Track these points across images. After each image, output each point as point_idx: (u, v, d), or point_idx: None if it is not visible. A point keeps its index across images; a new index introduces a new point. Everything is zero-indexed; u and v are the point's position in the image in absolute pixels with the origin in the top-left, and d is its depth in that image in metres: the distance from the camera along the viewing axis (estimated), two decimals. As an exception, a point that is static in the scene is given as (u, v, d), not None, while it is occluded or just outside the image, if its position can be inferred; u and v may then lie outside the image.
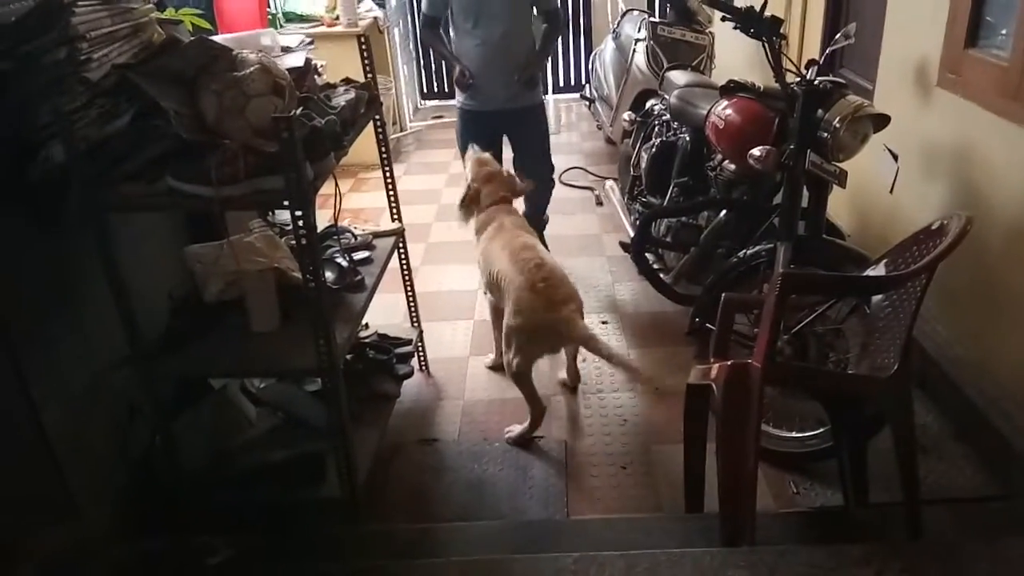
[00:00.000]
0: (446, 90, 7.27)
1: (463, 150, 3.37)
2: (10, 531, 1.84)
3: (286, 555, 1.93)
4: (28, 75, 1.79)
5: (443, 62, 3.78)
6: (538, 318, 2.41)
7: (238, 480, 2.22)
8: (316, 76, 2.31)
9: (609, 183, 4.26)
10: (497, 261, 2.63)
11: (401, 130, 6.44)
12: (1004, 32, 2.34)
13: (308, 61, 2.24)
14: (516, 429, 2.67)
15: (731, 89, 2.76)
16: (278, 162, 1.75)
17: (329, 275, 2.31)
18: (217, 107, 1.81)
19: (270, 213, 2.76)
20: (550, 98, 6.52)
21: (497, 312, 2.82)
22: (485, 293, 2.93)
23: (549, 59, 3.96)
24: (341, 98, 2.22)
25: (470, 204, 2.93)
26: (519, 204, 3.28)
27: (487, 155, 3.08)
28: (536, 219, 3.71)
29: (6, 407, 1.82)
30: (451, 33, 3.51)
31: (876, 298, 2.05)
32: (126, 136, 1.86)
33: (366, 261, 2.55)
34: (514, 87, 3.42)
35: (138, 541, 2.07)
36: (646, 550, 1.61)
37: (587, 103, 6.14)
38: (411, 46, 7.13)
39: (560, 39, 3.84)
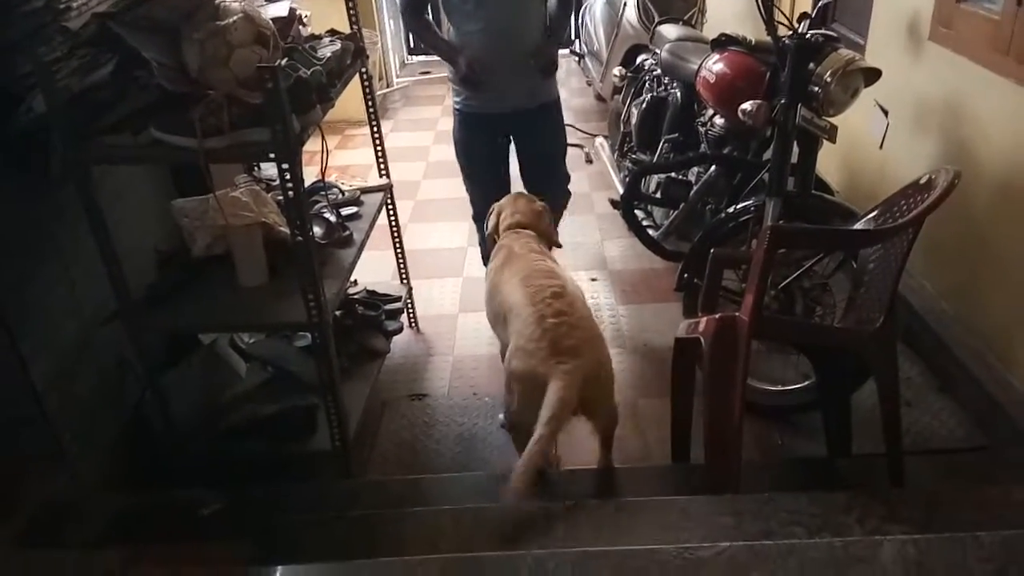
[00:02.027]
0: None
1: (463, 161, 2.89)
2: (2, 482, 1.85)
3: (277, 505, 1.95)
4: (6, 24, 1.75)
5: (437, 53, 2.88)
6: (531, 366, 1.80)
7: (229, 434, 2.23)
8: (301, 27, 2.26)
9: (599, 140, 4.23)
10: (505, 290, 2.08)
11: (388, 86, 6.35)
12: (997, -15, 2.32)
13: (292, 11, 2.19)
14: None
15: (722, 43, 2.73)
16: (263, 114, 1.73)
17: (317, 230, 2.29)
18: (200, 57, 1.77)
19: (256, 167, 2.73)
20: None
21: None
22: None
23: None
24: (327, 49, 2.19)
25: (495, 229, 2.45)
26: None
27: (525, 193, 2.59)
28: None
29: (-4, 359, 1.82)
30: (443, 17, 2.76)
31: (863, 253, 2.06)
32: (108, 87, 1.82)
33: (354, 217, 2.54)
34: (531, 79, 2.70)
35: (130, 493, 2.09)
36: (633, 497, 1.63)
37: (577, 58, 6.07)
38: (397, 1, 6.99)
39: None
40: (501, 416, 2.42)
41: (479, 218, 2.89)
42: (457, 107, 2.82)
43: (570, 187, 3.06)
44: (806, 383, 2.35)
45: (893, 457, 1.87)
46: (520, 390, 1.85)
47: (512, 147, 2.92)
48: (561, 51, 6.81)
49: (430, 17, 2.80)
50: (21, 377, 1.86)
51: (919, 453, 2.14)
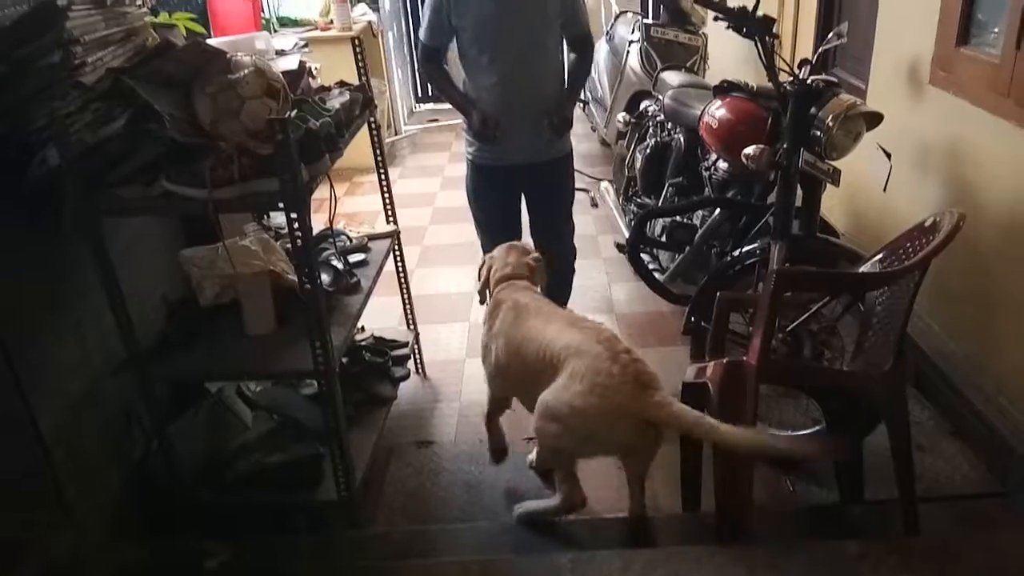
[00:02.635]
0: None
1: (475, 211, 2.92)
2: (9, 534, 1.83)
3: (283, 556, 1.93)
4: (23, 79, 1.80)
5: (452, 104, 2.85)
6: (617, 402, 1.77)
7: (235, 484, 2.21)
8: (310, 79, 2.32)
9: (604, 184, 4.27)
10: (546, 337, 1.99)
11: (396, 134, 6.44)
12: (996, 30, 2.36)
13: (302, 64, 2.25)
14: (530, 505, 2.16)
15: (724, 89, 2.77)
16: (273, 164, 1.76)
17: (325, 278, 2.31)
18: (212, 109, 1.81)
19: (265, 216, 2.77)
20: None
21: (500, 406, 2.37)
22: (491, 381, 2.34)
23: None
24: (336, 100, 2.23)
25: (485, 283, 2.39)
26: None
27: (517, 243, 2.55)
28: (561, 297, 2.97)
29: (3, 411, 1.82)
30: (461, 69, 2.76)
31: (870, 296, 2.06)
32: (121, 139, 1.86)
33: (362, 264, 2.56)
34: (543, 135, 2.67)
35: (136, 545, 2.07)
36: (642, 548, 1.61)
37: (581, 105, 6.15)
38: (405, 50, 7.13)
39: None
40: (531, 457, 2.41)
41: None
42: (469, 157, 2.82)
43: (577, 230, 3.08)
44: (816, 428, 2.33)
45: (907, 505, 1.84)
46: (585, 429, 1.83)
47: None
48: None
49: (446, 67, 2.81)
50: (29, 431, 1.86)
51: (933, 500, 2.10)
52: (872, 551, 1.59)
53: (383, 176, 2.82)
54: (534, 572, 1.64)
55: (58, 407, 1.93)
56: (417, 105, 7.48)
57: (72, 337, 2.01)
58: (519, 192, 2.87)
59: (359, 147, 2.75)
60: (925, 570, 1.51)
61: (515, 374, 2.10)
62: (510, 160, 2.72)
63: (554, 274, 2.89)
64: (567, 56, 2.81)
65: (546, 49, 2.66)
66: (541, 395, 1.91)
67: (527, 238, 2.94)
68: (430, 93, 7.31)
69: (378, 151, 2.77)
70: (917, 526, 1.82)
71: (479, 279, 2.44)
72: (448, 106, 3.00)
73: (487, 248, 2.88)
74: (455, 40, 2.69)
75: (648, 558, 1.61)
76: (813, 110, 2.30)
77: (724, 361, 1.89)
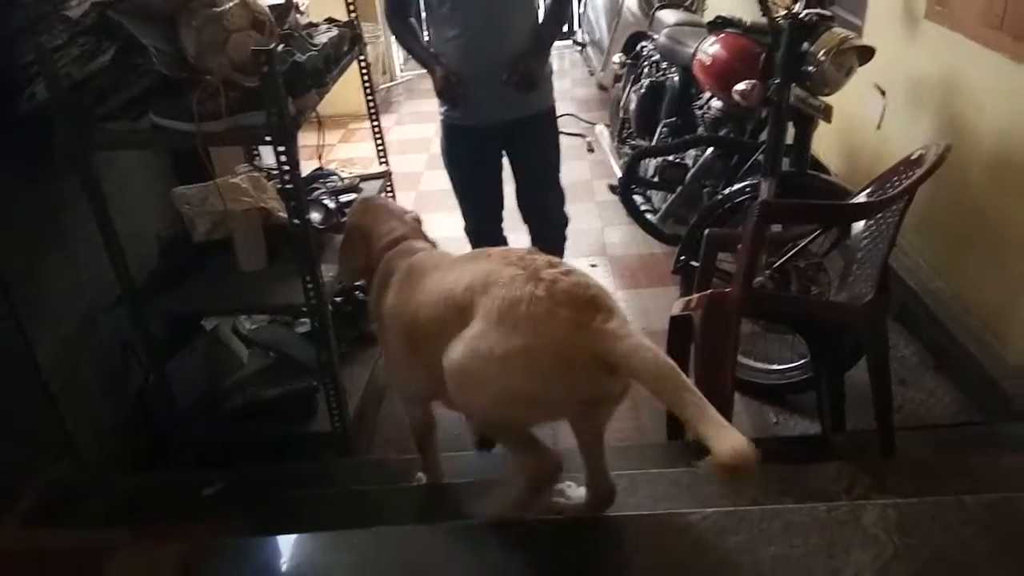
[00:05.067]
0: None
1: (450, 173, 2.68)
2: (10, 464, 1.89)
3: (278, 483, 1.98)
4: (9, 13, 1.79)
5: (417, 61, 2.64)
6: (552, 335, 1.25)
7: (231, 417, 2.27)
8: (298, 14, 2.30)
9: (599, 127, 4.25)
10: (445, 283, 1.44)
11: (391, 80, 6.38)
12: (991, -38, 2.32)
13: (289, -1, 2.23)
14: (492, 506, 1.51)
15: (718, 25, 2.74)
16: (259, 97, 1.76)
17: (316, 216, 2.32)
18: (197, 43, 1.81)
19: (257, 156, 2.77)
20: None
21: (427, 427, 1.75)
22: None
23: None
24: (324, 36, 2.22)
25: (354, 262, 1.79)
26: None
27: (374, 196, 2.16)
28: None
29: (2, 344, 1.86)
30: (423, 21, 2.55)
31: (856, 230, 2.08)
32: (108, 74, 1.86)
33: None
34: (507, 92, 2.39)
35: (133, 475, 2.13)
36: (626, 471, 1.66)
37: (579, 48, 6.08)
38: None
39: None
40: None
41: (472, 233, 2.76)
42: (441, 117, 2.63)
43: (572, 176, 2.97)
44: (801, 362, 2.37)
45: (884, 430, 1.89)
46: (517, 385, 1.28)
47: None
48: (563, 42, 6.81)
49: (415, 20, 2.56)
50: (27, 360, 1.91)
51: (912, 428, 2.15)
52: (847, 472, 1.64)
53: (374, 117, 2.82)
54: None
55: (55, 340, 1.98)
56: (413, 51, 7.38)
57: (68, 273, 2.04)
58: (497, 155, 2.61)
59: (353, 93, 2.74)
60: (899, 489, 1.56)
61: (424, 362, 1.46)
62: (479, 121, 2.49)
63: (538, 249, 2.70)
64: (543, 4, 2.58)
65: None
66: (446, 353, 1.35)
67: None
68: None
69: (368, 90, 2.76)
70: (893, 448, 1.87)
71: (343, 266, 1.88)
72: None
73: (465, 214, 2.74)
74: None
75: (631, 479, 1.65)
76: (805, 45, 2.28)
77: (708, 293, 1.92)
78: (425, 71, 2.51)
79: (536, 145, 2.59)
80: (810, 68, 2.26)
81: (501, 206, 2.71)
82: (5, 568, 1.62)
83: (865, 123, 2.84)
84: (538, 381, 1.27)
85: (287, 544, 1.51)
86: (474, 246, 2.69)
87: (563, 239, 2.78)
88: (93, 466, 2.07)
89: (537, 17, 2.53)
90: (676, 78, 3.30)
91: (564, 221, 2.76)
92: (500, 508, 1.46)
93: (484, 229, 2.70)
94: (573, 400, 1.33)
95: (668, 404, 1.21)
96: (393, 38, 6.90)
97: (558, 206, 2.73)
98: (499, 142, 2.56)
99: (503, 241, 2.74)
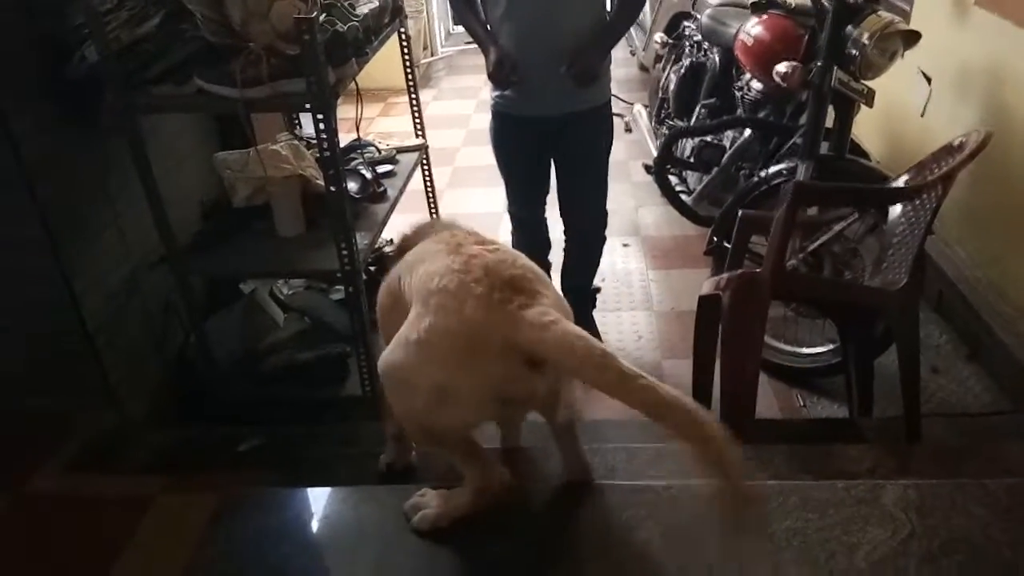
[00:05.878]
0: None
1: (498, 158, 2.55)
2: (57, 414, 1.98)
3: (310, 442, 2.05)
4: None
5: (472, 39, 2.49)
6: (466, 316, 1.14)
7: (266, 378, 2.34)
8: (341, -16, 2.32)
9: (637, 107, 4.23)
10: (416, 278, 1.30)
11: (432, 55, 6.40)
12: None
13: (332, -32, 2.26)
14: (428, 514, 1.39)
15: (762, 6, 2.70)
16: (300, 65, 1.80)
17: (352, 185, 2.37)
18: (242, 10, 1.84)
19: (298, 126, 2.82)
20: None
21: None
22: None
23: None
24: (365, 7, 2.24)
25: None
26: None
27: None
28: (579, 288, 2.67)
29: (50, 298, 1.94)
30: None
31: (892, 215, 2.05)
32: (155, 38, 1.91)
33: (390, 175, 2.61)
34: (562, 83, 2.23)
35: (173, 428, 2.21)
36: (648, 444, 1.68)
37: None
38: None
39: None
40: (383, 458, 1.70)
41: (514, 215, 2.70)
42: (491, 104, 2.49)
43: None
44: (831, 346, 2.36)
45: (910, 415, 1.88)
46: (429, 378, 1.16)
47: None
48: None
49: (478, 3, 2.38)
50: (74, 315, 1.98)
51: (940, 415, 2.13)
52: (871, 454, 1.64)
53: (412, 90, 2.85)
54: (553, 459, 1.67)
55: (100, 297, 2.05)
56: (454, 27, 7.38)
57: (112, 231, 2.11)
58: (547, 145, 2.47)
59: (394, 67, 2.77)
60: (922, 472, 1.56)
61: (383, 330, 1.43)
62: (530, 111, 2.36)
63: (572, 248, 2.66)
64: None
65: None
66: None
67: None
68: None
69: (407, 63, 2.78)
70: (919, 432, 1.85)
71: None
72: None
73: (510, 196, 2.66)
74: None
75: (653, 452, 1.67)
76: (849, 28, 2.25)
77: (738, 273, 1.92)
78: (477, 49, 2.41)
79: (587, 140, 2.45)
80: (853, 51, 2.23)
81: (546, 192, 2.65)
82: (50, 510, 1.70)
83: (909, 109, 2.80)
84: (447, 368, 1.14)
85: (316, 496, 1.56)
86: (515, 226, 2.72)
87: (600, 243, 2.68)
88: (135, 421, 2.15)
89: (603, 10, 2.39)
90: (717, 59, 3.27)
91: (604, 220, 2.65)
92: (435, 519, 1.36)
93: (526, 212, 2.68)
94: (489, 397, 1.18)
95: (617, 397, 1.11)
96: (444, 14, 6.96)
97: (600, 204, 2.61)
98: (550, 133, 2.42)
99: (544, 224, 2.73)
